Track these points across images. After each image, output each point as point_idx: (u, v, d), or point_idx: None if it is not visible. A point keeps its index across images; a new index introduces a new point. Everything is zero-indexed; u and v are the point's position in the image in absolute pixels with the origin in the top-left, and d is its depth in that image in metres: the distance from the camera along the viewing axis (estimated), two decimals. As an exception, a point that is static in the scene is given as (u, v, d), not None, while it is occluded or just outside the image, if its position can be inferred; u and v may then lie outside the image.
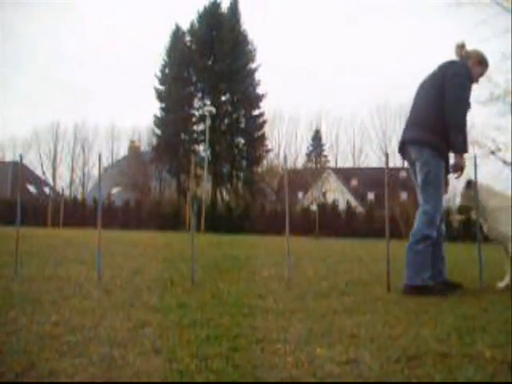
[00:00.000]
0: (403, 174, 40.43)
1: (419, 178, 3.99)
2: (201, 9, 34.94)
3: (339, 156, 50.65)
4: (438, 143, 3.93)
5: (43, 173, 48.49)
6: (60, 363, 1.90)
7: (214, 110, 27.73)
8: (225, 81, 33.88)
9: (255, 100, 34.81)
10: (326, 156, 51.23)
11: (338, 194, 35.34)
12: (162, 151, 33.77)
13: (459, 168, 3.94)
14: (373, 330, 2.55)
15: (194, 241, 4.36)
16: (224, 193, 35.08)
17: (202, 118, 33.10)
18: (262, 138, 35.49)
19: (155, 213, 23.69)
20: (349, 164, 49.80)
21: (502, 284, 4.15)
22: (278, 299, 3.40)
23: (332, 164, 49.85)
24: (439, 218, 3.97)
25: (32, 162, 47.24)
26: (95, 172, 46.19)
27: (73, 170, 49.21)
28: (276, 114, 44.13)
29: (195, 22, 34.90)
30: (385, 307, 3.21)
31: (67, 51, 66.38)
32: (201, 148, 34.36)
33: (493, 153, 21.80)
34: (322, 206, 24.03)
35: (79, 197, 31.48)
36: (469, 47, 4.18)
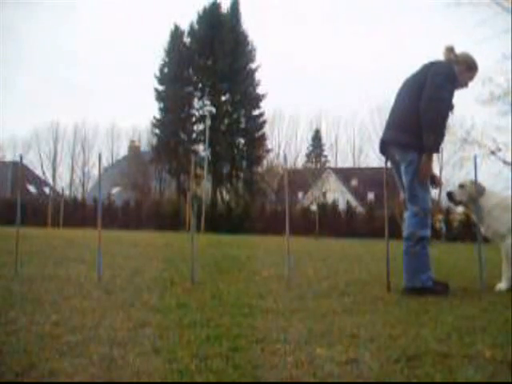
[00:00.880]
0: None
1: (405, 180, 3.95)
2: (201, 9, 35.00)
3: (339, 156, 50.68)
4: (422, 146, 3.85)
5: (43, 173, 48.54)
6: (60, 363, 1.90)
7: (213, 109, 27.76)
8: (225, 81, 33.89)
9: (255, 100, 34.82)
10: (325, 156, 51.24)
11: (337, 194, 35.36)
12: (161, 151, 33.77)
13: (426, 168, 3.84)
14: (373, 329, 2.55)
15: (194, 241, 4.36)
16: (224, 193, 35.08)
17: (202, 118, 33.12)
18: (262, 138, 35.50)
19: (155, 213, 23.72)
20: (349, 164, 49.82)
21: (503, 286, 4.11)
22: (277, 299, 3.40)
23: (332, 164, 49.89)
24: (430, 217, 3.95)
25: (32, 161, 47.30)
26: (95, 172, 46.22)
27: (73, 169, 49.25)
28: (276, 114, 44.16)
29: (195, 22, 34.93)
30: (385, 307, 3.21)
31: (67, 51, 66.48)
32: (201, 148, 34.36)
33: (493, 153, 21.83)
34: (322, 206, 24.06)
35: (79, 197, 31.58)
36: (458, 50, 4.11)
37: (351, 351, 2.13)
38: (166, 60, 34.62)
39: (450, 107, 3.95)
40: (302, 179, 38.04)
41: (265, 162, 38.59)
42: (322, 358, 2.03)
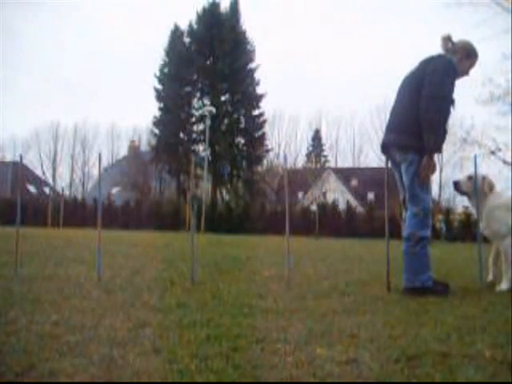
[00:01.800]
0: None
1: (406, 180, 3.94)
2: (200, 9, 35.00)
3: (339, 156, 50.66)
4: (422, 146, 3.83)
5: (43, 173, 48.53)
6: (60, 363, 1.90)
7: (213, 109, 27.73)
8: (225, 81, 33.91)
9: (255, 100, 34.84)
10: (325, 156, 51.25)
11: (338, 194, 35.38)
12: (161, 151, 33.80)
13: (427, 169, 3.82)
14: (373, 329, 2.55)
15: (194, 241, 4.36)
16: (224, 193, 35.09)
17: (202, 118, 33.12)
18: (262, 137, 35.51)
19: (155, 213, 23.71)
20: (349, 164, 49.82)
21: (503, 286, 4.10)
22: (277, 299, 3.40)
23: (332, 164, 49.89)
24: (430, 217, 3.93)
25: (32, 161, 47.30)
26: (95, 172, 46.24)
27: (73, 169, 49.25)
28: (276, 114, 44.15)
29: (195, 21, 34.94)
30: (385, 307, 3.21)
31: (67, 51, 66.46)
32: (201, 148, 34.39)
33: (493, 153, 21.85)
34: (322, 206, 24.06)
35: (79, 197, 31.57)
36: (456, 38, 4.04)
37: (351, 351, 2.13)
38: (166, 60, 34.65)
39: (451, 102, 3.90)
40: (302, 179, 38.07)
41: (265, 162, 38.64)
42: (322, 357, 2.03)
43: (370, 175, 41.61)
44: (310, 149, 50.32)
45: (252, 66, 35.03)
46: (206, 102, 33.69)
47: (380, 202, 27.05)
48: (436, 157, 3.94)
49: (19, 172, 34.79)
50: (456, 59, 3.97)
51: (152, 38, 67.61)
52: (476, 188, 4.22)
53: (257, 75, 35.05)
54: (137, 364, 1.91)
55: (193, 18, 35.22)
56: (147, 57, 68.07)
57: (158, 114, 34.56)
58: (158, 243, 10.82)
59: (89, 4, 69.83)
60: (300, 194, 40.83)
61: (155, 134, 34.96)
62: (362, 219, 22.76)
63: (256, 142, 34.73)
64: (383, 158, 4.27)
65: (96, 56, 69.41)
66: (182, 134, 34.55)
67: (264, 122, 35.58)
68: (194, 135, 34.99)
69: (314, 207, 25.30)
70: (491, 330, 2.58)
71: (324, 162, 50.10)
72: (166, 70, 34.61)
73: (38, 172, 47.98)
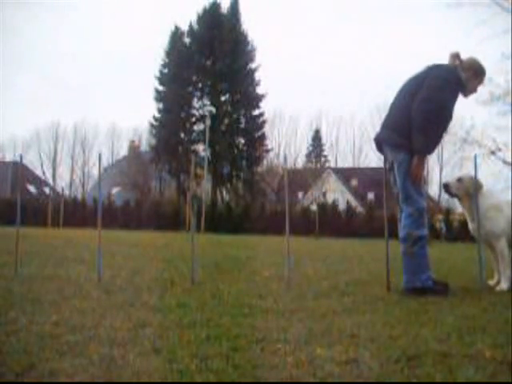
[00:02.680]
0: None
1: (398, 180, 3.93)
2: (201, 9, 35.01)
3: (339, 156, 50.63)
4: (409, 146, 3.84)
5: (43, 173, 48.49)
6: (60, 363, 1.90)
7: (213, 109, 27.74)
8: (225, 81, 33.91)
9: (255, 100, 34.83)
10: (325, 156, 51.25)
11: (338, 194, 35.38)
12: (161, 151, 33.79)
13: (417, 170, 3.81)
14: (373, 329, 2.55)
15: (194, 241, 4.36)
16: (224, 193, 35.09)
17: (202, 118, 33.13)
18: (262, 138, 35.50)
19: (155, 213, 23.70)
20: (349, 164, 49.80)
21: (503, 286, 4.10)
22: (277, 299, 3.40)
23: (332, 164, 49.88)
24: (426, 216, 3.91)
25: (32, 162, 47.24)
26: (95, 172, 46.20)
27: (73, 169, 49.19)
28: (276, 114, 44.14)
29: (195, 22, 34.94)
30: (385, 307, 3.21)
31: (67, 51, 66.38)
32: (201, 148, 34.37)
33: (493, 153, 21.83)
34: (322, 206, 24.04)
35: (79, 197, 31.51)
36: (464, 55, 4.04)
37: (351, 351, 2.13)
38: (166, 60, 34.63)
39: (448, 111, 3.90)
40: (302, 179, 38.03)
41: (265, 162, 38.63)
42: (322, 358, 2.03)
43: (370, 175, 41.58)
44: (310, 149, 50.33)
45: (252, 66, 35.03)
46: (206, 102, 33.69)
47: (380, 202, 27.02)
48: (436, 157, 3.93)
49: (19, 172, 34.81)
50: (464, 77, 3.97)
51: (152, 39, 67.61)
52: (474, 188, 4.21)
53: (257, 75, 35.08)
54: (137, 364, 1.91)
55: (193, 18, 35.25)
56: (147, 57, 67.93)
57: (157, 114, 34.56)
58: (158, 243, 10.82)
59: (89, 4, 69.89)
60: (300, 194, 40.82)
61: (155, 134, 34.95)
62: (361, 219, 22.75)
63: (256, 142, 34.73)
64: (383, 157, 4.26)
65: (96, 56, 69.43)
66: (182, 134, 34.54)
67: (264, 122, 35.57)
68: (194, 135, 34.97)
69: (314, 207, 25.29)
70: (491, 330, 2.58)
71: (324, 162, 50.10)
72: (166, 71, 34.59)
73: (38, 172, 47.98)
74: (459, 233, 19.43)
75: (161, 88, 34.48)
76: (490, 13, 27.02)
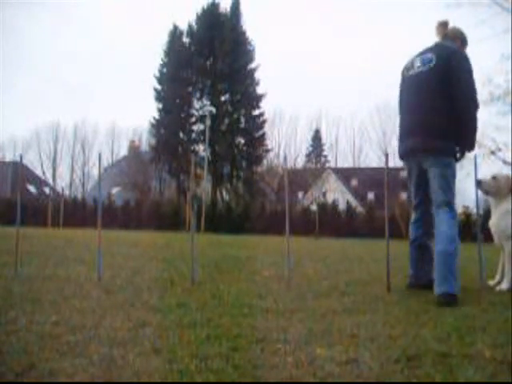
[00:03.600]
0: (403, 173, 40.41)
1: (439, 184, 3.73)
2: (200, 9, 35.00)
3: (339, 156, 50.73)
4: (453, 148, 3.77)
5: (43, 173, 48.54)
6: (60, 363, 1.90)
7: (213, 109, 27.72)
8: (224, 81, 33.91)
9: (255, 100, 34.83)
10: (325, 156, 51.27)
11: (338, 194, 35.40)
12: (161, 151, 33.79)
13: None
14: (373, 329, 2.55)
15: (193, 241, 4.36)
16: (224, 193, 35.08)
17: (202, 118, 33.13)
18: (262, 137, 35.50)
19: (155, 213, 23.69)
20: (349, 164, 49.86)
21: (504, 286, 4.11)
22: (278, 299, 3.40)
23: (332, 164, 49.91)
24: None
25: (32, 162, 47.31)
26: (95, 172, 46.24)
27: (73, 169, 49.24)
28: (276, 114, 44.24)
29: (194, 21, 34.93)
30: (385, 307, 3.21)
31: (67, 51, 66.50)
32: (201, 148, 34.37)
33: (493, 153, 21.82)
34: (322, 206, 24.03)
35: (79, 197, 31.51)
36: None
37: (351, 351, 2.12)
38: (166, 60, 34.63)
39: None
40: (302, 179, 38.04)
41: (265, 162, 38.62)
42: (322, 357, 2.03)
43: (370, 175, 41.63)
44: (310, 149, 50.36)
45: (252, 65, 35.03)
46: (206, 102, 33.69)
47: (380, 202, 27.05)
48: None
49: (19, 172, 34.81)
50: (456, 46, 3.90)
51: (151, 39, 67.59)
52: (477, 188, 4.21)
53: (257, 75, 35.10)
54: (137, 364, 1.91)
55: (192, 18, 35.27)
56: (147, 57, 68.04)
57: (157, 114, 34.56)
58: (158, 243, 10.82)
59: (89, 4, 69.87)
60: (300, 194, 40.82)
61: (155, 134, 34.94)
62: (361, 219, 22.74)
63: (256, 142, 34.73)
64: (383, 157, 4.27)
65: (96, 56, 69.46)
66: (181, 134, 34.54)
67: (264, 122, 35.57)
68: (194, 135, 34.97)
69: (314, 207, 25.27)
70: (491, 330, 2.58)
71: (324, 162, 50.12)
72: (165, 71, 34.59)
73: (38, 172, 48.00)
74: (459, 233, 19.41)
75: (160, 88, 34.48)
76: (490, 13, 27.03)
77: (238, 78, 33.84)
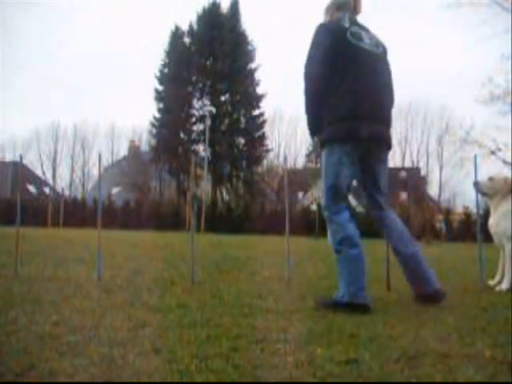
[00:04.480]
0: (403, 174, 40.47)
1: (383, 182, 3.47)
2: (201, 9, 35.01)
3: (339, 156, 50.58)
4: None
5: (43, 173, 48.51)
6: (60, 363, 1.90)
7: (213, 109, 27.72)
8: (224, 81, 33.90)
9: (255, 100, 34.83)
10: (325, 156, 51.17)
11: (338, 194, 35.26)
12: (161, 151, 33.80)
13: None
14: (373, 329, 2.54)
15: (193, 241, 4.36)
16: (224, 193, 35.08)
17: (202, 118, 33.13)
18: (262, 138, 35.49)
19: (155, 213, 23.70)
20: (349, 164, 49.73)
21: (504, 286, 4.11)
22: (277, 299, 3.40)
23: (332, 164, 49.77)
24: None
25: (32, 162, 47.27)
26: (95, 172, 46.20)
27: (73, 170, 49.18)
28: (276, 113, 44.16)
29: (195, 22, 34.94)
30: (385, 307, 3.21)
31: (67, 51, 66.43)
32: (201, 148, 34.38)
33: (493, 153, 21.85)
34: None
35: (79, 197, 31.51)
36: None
37: (351, 351, 2.12)
38: (166, 60, 34.64)
39: None
40: (302, 179, 38.02)
41: (265, 162, 38.61)
42: (322, 357, 2.03)
43: (370, 175, 41.46)
44: (310, 149, 50.31)
45: (252, 66, 35.03)
46: (206, 102, 33.69)
47: (380, 202, 26.95)
48: (436, 157, 3.89)
49: (19, 172, 34.79)
50: (328, 18, 3.50)
51: (152, 39, 67.64)
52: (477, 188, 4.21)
53: (257, 75, 35.09)
54: (137, 364, 1.91)
55: (193, 18, 35.28)
56: (147, 57, 67.97)
57: (157, 114, 34.56)
58: (158, 243, 10.82)
59: (89, 4, 69.84)
60: (300, 194, 40.80)
61: (155, 134, 34.95)
62: (361, 219, 22.73)
63: (256, 142, 34.72)
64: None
65: (96, 56, 69.41)
66: (182, 134, 34.53)
67: (264, 122, 35.56)
68: (194, 135, 34.97)
69: (313, 207, 25.26)
70: (491, 330, 2.58)
71: (324, 162, 50.02)
72: (166, 71, 34.60)
73: (38, 172, 47.99)
74: (459, 233, 19.45)
75: (161, 88, 34.49)
76: (490, 13, 27.09)
77: (237, 78, 33.83)
